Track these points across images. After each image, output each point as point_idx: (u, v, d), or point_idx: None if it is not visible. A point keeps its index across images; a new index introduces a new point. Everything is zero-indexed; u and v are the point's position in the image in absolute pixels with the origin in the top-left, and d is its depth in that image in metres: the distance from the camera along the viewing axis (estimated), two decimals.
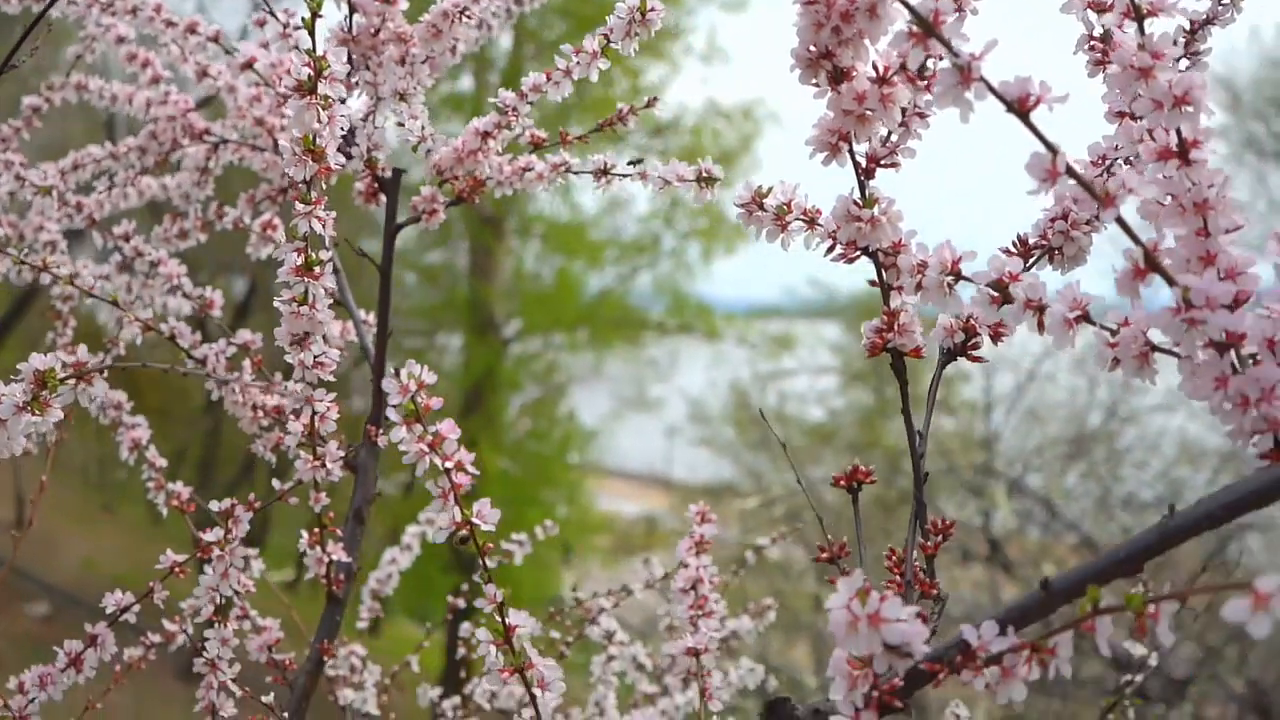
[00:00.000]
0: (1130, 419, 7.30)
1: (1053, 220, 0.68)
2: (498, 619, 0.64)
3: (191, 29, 1.10)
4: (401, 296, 11.65)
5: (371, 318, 1.10)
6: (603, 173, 0.96)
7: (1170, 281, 0.51)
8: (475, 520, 0.63)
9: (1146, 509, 6.39)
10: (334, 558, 0.96)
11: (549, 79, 0.91)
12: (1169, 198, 0.54)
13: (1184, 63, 0.71)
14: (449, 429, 0.62)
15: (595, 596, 1.32)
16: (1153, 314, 0.52)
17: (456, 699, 1.36)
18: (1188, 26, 0.71)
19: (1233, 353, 0.52)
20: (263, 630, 1.00)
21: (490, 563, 0.64)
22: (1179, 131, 0.53)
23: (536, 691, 0.64)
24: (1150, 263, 0.51)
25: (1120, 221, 0.51)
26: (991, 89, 0.50)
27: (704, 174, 0.82)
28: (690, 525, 0.96)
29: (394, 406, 0.61)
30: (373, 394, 0.98)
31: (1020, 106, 0.50)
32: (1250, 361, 0.51)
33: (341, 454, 0.90)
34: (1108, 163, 0.69)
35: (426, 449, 0.61)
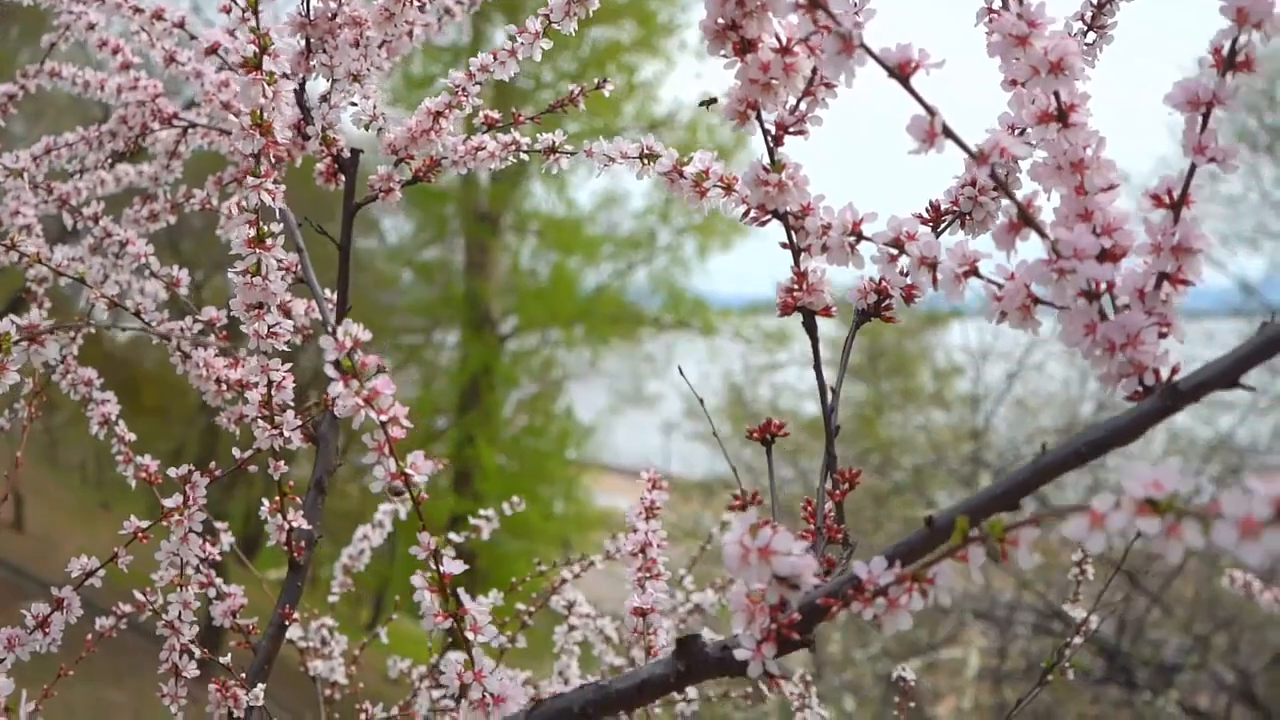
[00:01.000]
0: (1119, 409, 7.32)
1: (963, 186, 0.71)
2: (433, 567, 0.68)
3: (158, 15, 1.13)
4: (398, 294, 11.68)
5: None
6: (551, 150, 0.99)
7: (1042, 235, 0.54)
8: (409, 471, 0.66)
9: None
10: (294, 525, 1.00)
11: (495, 59, 0.95)
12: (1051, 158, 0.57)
13: (1090, 35, 0.75)
14: (384, 384, 0.65)
15: (556, 567, 1.36)
16: (1029, 266, 0.56)
17: (423, 669, 1.40)
18: (1095, 1, 0.74)
19: (1106, 301, 0.55)
20: (227, 596, 1.04)
21: (415, 510, 0.67)
22: (1057, 95, 0.56)
23: (469, 635, 0.67)
24: (1024, 217, 0.54)
25: (996, 179, 0.54)
26: (873, 55, 0.53)
27: (646, 151, 0.86)
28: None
29: (331, 363, 0.64)
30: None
31: (901, 71, 0.54)
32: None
33: (299, 423, 0.93)
34: (1016, 131, 0.72)
35: (363, 403, 0.64)
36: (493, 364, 11.01)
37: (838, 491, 0.67)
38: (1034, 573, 6.96)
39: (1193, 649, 5.88)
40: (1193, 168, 0.55)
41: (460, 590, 0.68)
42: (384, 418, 0.65)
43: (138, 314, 1.03)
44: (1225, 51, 0.54)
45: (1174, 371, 0.53)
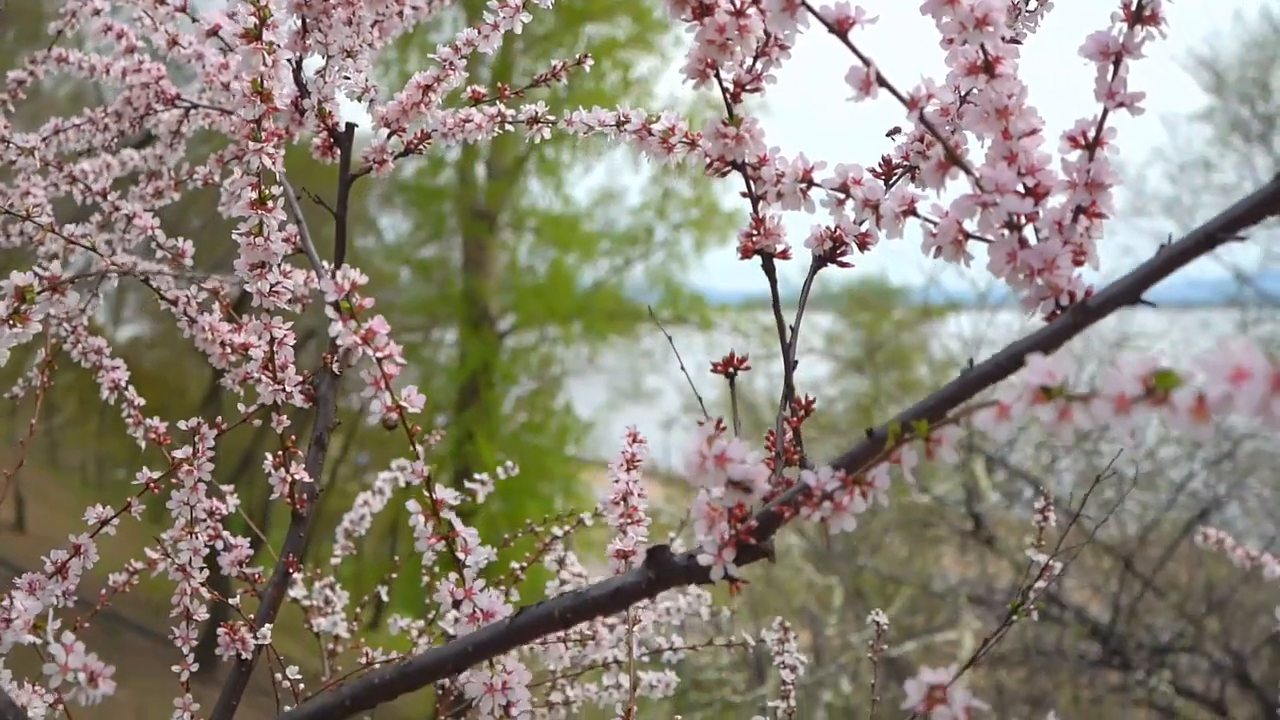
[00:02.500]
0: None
1: (912, 142, 0.77)
2: (426, 494, 0.74)
3: (160, 0, 1.19)
4: (396, 292, 11.73)
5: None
6: (534, 120, 1.05)
7: (968, 172, 0.60)
8: (404, 404, 0.72)
9: (1125, 482, 6.48)
10: (297, 478, 1.06)
11: (480, 33, 1.01)
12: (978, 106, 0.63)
13: (1032, 3, 0.81)
14: (380, 324, 0.71)
15: (546, 522, 1.41)
16: (958, 201, 0.61)
17: (421, 623, 1.46)
18: None
19: (1030, 234, 0.61)
20: (234, 548, 1.10)
21: (419, 448, 0.73)
22: (984, 49, 0.62)
23: (460, 556, 0.73)
24: (951, 157, 0.60)
25: (924, 121, 0.60)
26: (813, 12, 0.59)
27: (622, 118, 0.92)
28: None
29: (330, 304, 0.70)
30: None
31: (840, 27, 0.60)
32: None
33: (300, 378, 0.99)
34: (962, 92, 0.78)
35: (360, 341, 0.70)
36: (491, 361, 11.07)
37: (794, 418, 0.73)
38: (1030, 561, 7.01)
39: (1185, 631, 5.94)
40: (1105, 111, 0.61)
41: (452, 515, 0.74)
42: (380, 354, 0.71)
43: (146, 280, 1.08)
44: (1134, 7, 0.60)
45: (1087, 294, 0.59)
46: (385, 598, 1.50)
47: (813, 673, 5.87)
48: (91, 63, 1.35)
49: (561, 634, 1.26)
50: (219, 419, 1.00)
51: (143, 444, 1.17)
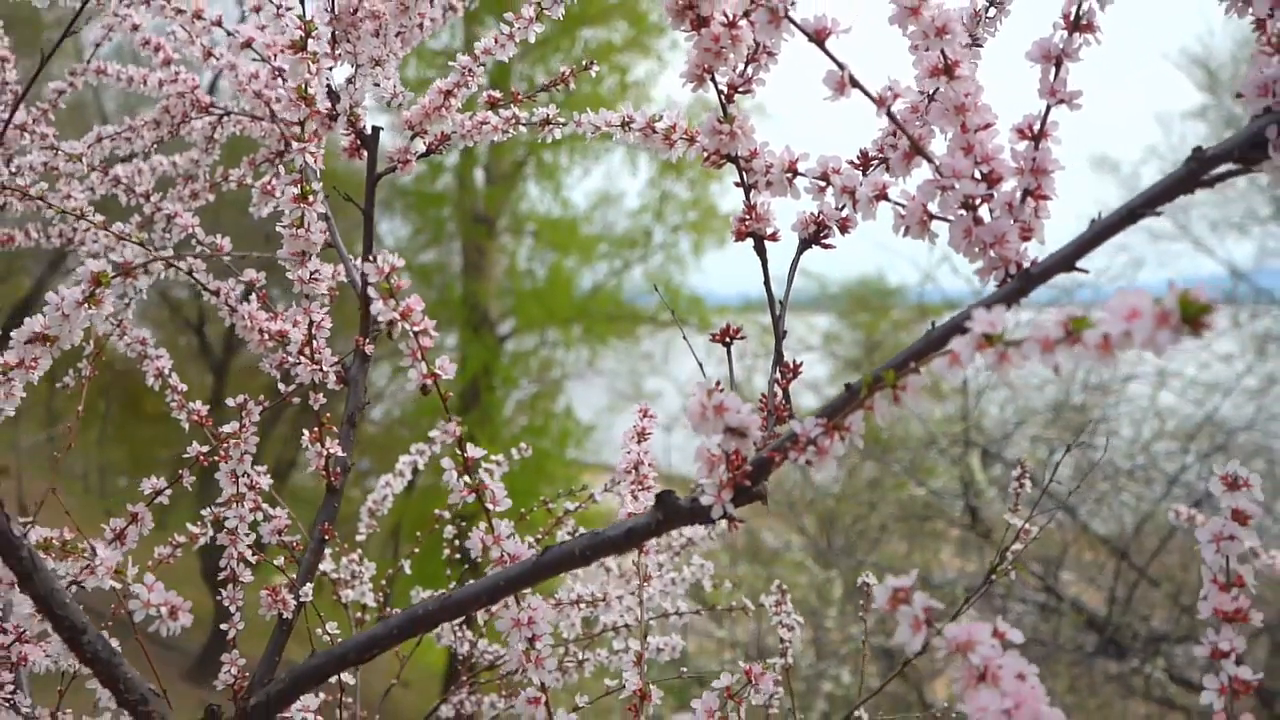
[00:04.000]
0: (1110, 391, 7.51)
1: (886, 136, 0.87)
2: (459, 452, 0.83)
3: (198, 15, 1.28)
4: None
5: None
6: (546, 122, 1.15)
7: (929, 160, 0.70)
8: (438, 371, 0.82)
9: (1120, 475, 6.58)
10: (331, 453, 1.15)
11: (496, 42, 1.10)
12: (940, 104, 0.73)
13: (991, 10, 0.90)
14: (416, 302, 0.81)
15: (560, 497, 1.51)
16: (922, 186, 0.71)
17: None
18: None
19: (982, 212, 0.71)
20: (273, 519, 1.19)
21: (441, 402, 0.83)
22: (944, 53, 0.72)
23: (489, 506, 0.83)
24: (915, 148, 0.70)
25: (891, 117, 0.70)
26: (795, 24, 0.69)
27: (626, 120, 1.01)
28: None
29: (372, 284, 0.79)
30: (360, 314, 1.17)
31: (819, 36, 0.69)
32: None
33: (335, 359, 1.09)
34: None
35: (399, 317, 0.80)
36: (492, 365, 11.15)
37: (784, 380, 0.82)
38: (1027, 554, 7.11)
39: (1180, 621, 6.03)
40: (1048, 107, 0.70)
41: (482, 470, 0.83)
42: (417, 329, 0.81)
43: (190, 273, 1.18)
44: (1072, 16, 0.70)
45: (1032, 264, 0.69)
46: (408, 569, 1.60)
47: (814, 665, 5.96)
48: (129, 74, 1.44)
49: (576, 598, 1.35)
50: (260, 398, 1.10)
51: (186, 425, 1.27)
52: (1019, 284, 0.65)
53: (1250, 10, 0.65)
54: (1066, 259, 0.65)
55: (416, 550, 1.63)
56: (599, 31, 11.02)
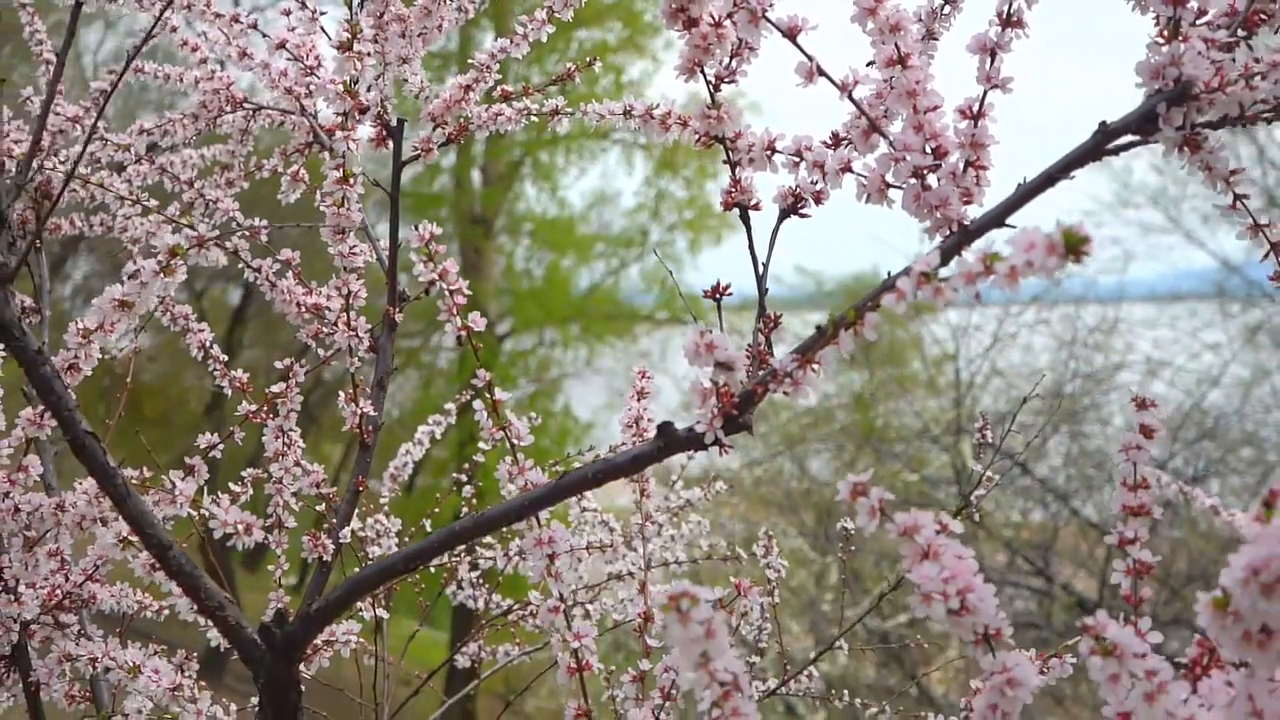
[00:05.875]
0: (1101, 381, 7.67)
1: (852, 118, 1.00)
2: (488, 395, 0.96)
3: (235, 19, 1.41)
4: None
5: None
6: (555, 113, 1.28)
7: (885, 136, 0.83)
8: (471, 324, 0.95)
9: (1109, 462, 6.72)
10: (364, 412, 1.28)
11: (511, 42, 1.24)
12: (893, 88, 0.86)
13: (946, 7, 1.03)
14: (451, 265, 0.94)
15: (568, 459, 1.64)
16: (879, 158, 0.84)
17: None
18: None
19: (931, 180, 0.84)
20: (312, 473, 1.32)
21: (474, 353, 0.96)
22: (898, 46, 0.85)
23: (514, 440, 0.96)
24: (872, 127, 0.83)
25: (852, 100, 0.83)
26: (771, 23, 0.82)
27: (627, 109, 1.14)
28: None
29: (414, 250, 0.93)
30: (388, 288, 1.30)
31: (791, 33, 0.83)
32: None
33: (369, 327, 1.22)
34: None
35: (437, 277, 0.93)
36: (490, 365, 11.27)
37: (766, 329, 0.95)
38: (1022, 542, 7.27)
39: (1170, 602, 6.18)
40: (985, 92, 0.84)
41: (509, 413, 0.96)
42: (452, 288, 0.94)
43: (236, 253, 1.31)
44: (1004, 14, 0.83)
45: (971, 223, 0.82)
46: (430, 529, 1.73)
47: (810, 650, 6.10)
48: (167, 72, 1.57)
49: (585, 544, 1.49)
50: (303, 362, 1.22)
51: (229, 391, 1.40)
52: (958, 239, 0.79)
53: (1149, 9, 0.78)
54: (996, 218, 0.79)
55: (436, 510, 1.76)
56: (594, 32, 11.16)
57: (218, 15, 1.41)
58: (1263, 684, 0.61)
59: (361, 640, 1.38)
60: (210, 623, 0.92)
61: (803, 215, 0.99)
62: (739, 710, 0.67)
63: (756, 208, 0.96)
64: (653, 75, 11.43)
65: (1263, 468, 7.42)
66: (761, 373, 0.86)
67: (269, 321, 10.85)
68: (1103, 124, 0.76)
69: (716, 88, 0.93)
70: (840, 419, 9.49)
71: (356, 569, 1.46)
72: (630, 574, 1.50)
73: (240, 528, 0.87)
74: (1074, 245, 0.59)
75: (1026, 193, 0.78)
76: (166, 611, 1.28)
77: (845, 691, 1.45)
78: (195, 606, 0.91)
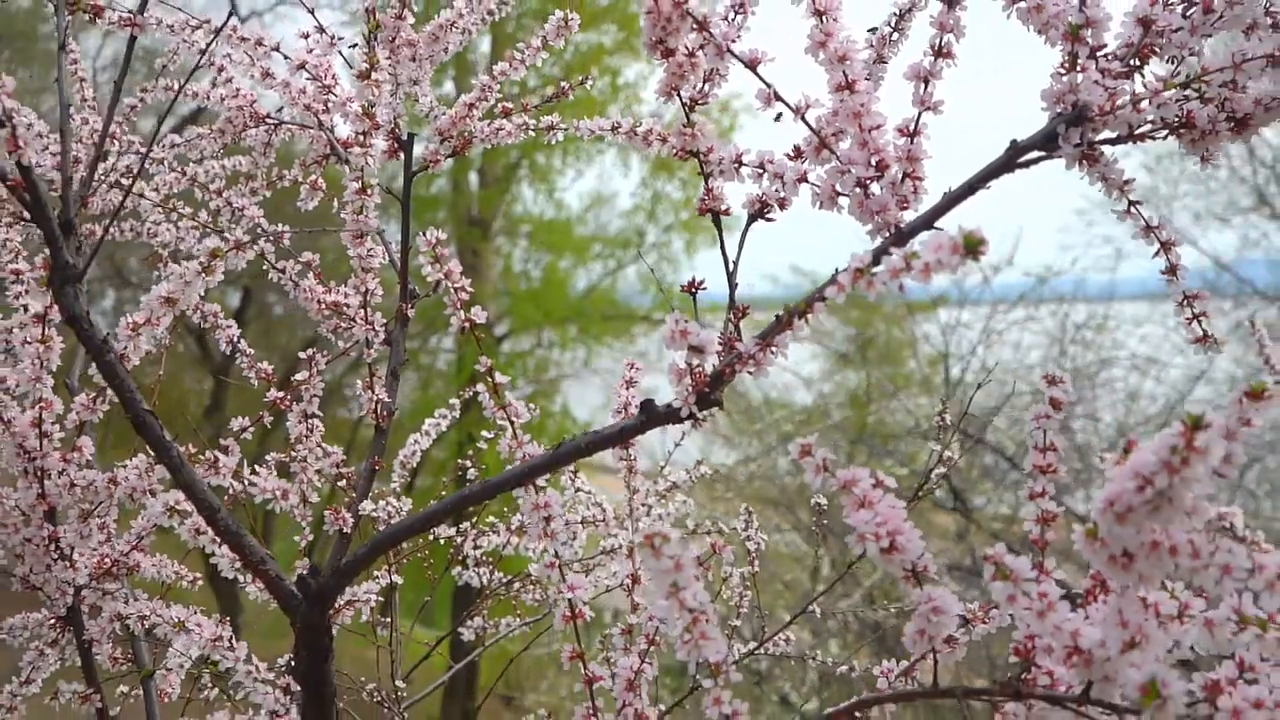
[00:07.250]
0: (1092, 377, 7.82)
1: (809, 137, 1.13)
2: (489, 379, 1.10)
3: (259, 42, 1.55)
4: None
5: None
6: (551, 127, 1.42)
7: (833, 152, 0.97)
8: (473, 317, 1.09)
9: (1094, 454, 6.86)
10: (380, 399, 1.42)
11: (510, 64, 1.37)
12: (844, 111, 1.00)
13: (895, 35, 1.17)
14: (455, 265, 1.08)
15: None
16: (828, 169, 0.98)
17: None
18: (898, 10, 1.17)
19: (874, 189, 0.98)
20: (331, 454, 1.46)
21: (476, 343, 1.09)
22: (845, 74, 0.99)
23: (514, 419, 1.10)
24: (822, 143, 0.97)
25: (805, 121, 0.97)
26: (735, 56, 0.96)
27: (614, 125, 1.28)
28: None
29: (423, 252, 1.06)
30: (399, 287, 1.44)
31: (752, 64, 0.96)
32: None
33: (385, 321, 1.35)
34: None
35: (443, 276, 1.07)
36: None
37: (736, 317, 1.09)
38: (1011, 536, 7.41)
39: None
40: (919, 114, 0.97)
41: (506, 393, 1.10)
42: (457, 285, 1.08)
43: (261, 255, 1.44)
44: (936, 46, 0.97)
45: (904, 225, 0.95)
46: None
47: (804, 641, 6.23)
48: (193, 89, 1.71)
49: (580, 517, 1.62)
50: (325, 352, 1.36)
51: (255, 382, 1.53)
52: (894, 239, 0.93)
53: (1054, 43, 0.92)
54: (926, 222, 0.93)
55: (444, 492, 1.88)
56: (589, 35, 11.29)
57: (243, 39, 1.55)
58: (1131, 600, 0.74)
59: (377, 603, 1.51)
60: (252, 576, 1.06)
61: (768, 220, 1.13)
62: (706, 635, 0.81)
63: (727, 213, 1.10)
64: (648, 78, 11.56)
65: (1249, 457, 7.57)
66: (728, 355, 1.00)
67: (267, 325, 10.99)
68: (1014, 142, 0.90)
69: (691, 108, 1.06)
70: (834, 418, 9.62)
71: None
72: (620, 546, 1.63)
73: (278, 493, 1.01)
74: (972, 246, 0.73)
75: (951, 200, 0.92)
76: (201, 582, 1.42)
77: (818, 654, 1.57)
78: (239, 561, 1.04)
